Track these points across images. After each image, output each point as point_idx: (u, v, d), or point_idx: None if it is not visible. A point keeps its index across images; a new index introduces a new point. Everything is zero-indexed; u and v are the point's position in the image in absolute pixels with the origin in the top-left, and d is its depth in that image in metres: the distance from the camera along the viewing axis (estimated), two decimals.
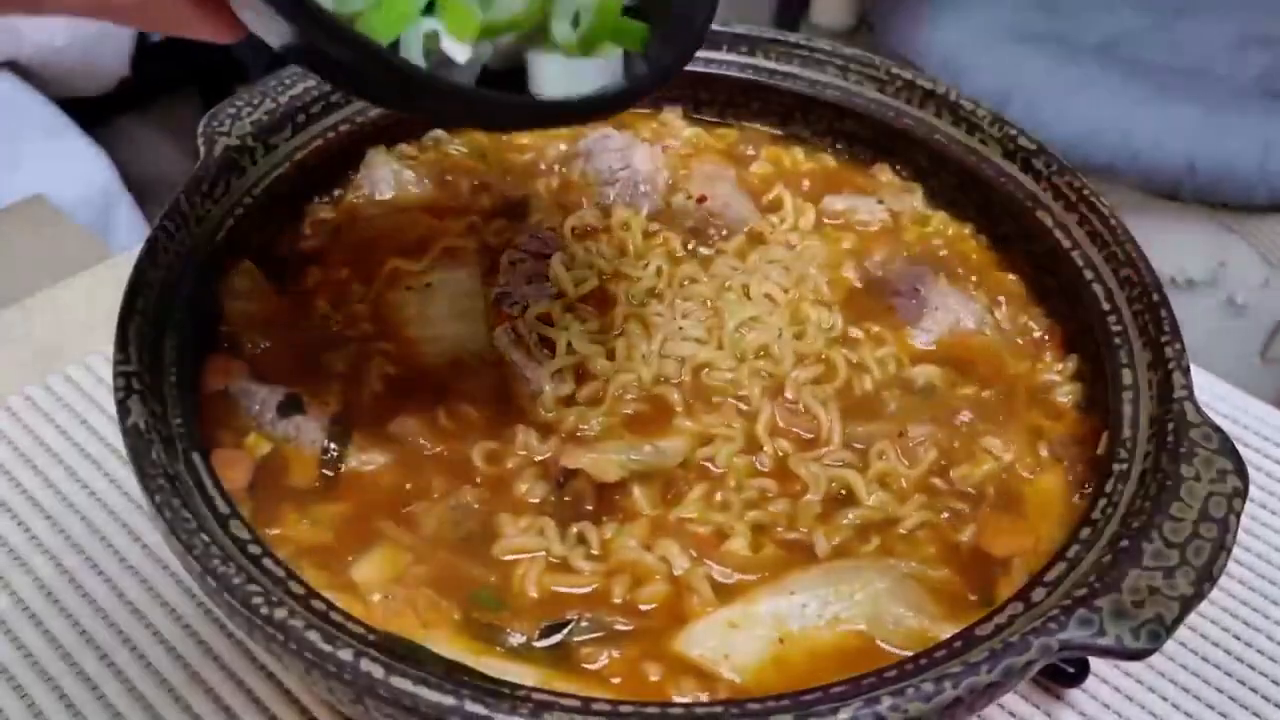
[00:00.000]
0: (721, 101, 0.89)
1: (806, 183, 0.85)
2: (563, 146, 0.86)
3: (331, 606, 0.53)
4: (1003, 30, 2.02)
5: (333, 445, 0.65)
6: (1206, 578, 0.54)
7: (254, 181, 0.75)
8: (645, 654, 0.58)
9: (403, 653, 0.52)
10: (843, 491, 0.65)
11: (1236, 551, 0.72)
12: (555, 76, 0.56)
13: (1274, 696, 0.75)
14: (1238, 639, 0.78)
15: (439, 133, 0.86)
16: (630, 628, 0.59)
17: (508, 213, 0.80)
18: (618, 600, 0.60)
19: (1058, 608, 0.53)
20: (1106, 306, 0.70)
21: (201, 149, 0.74)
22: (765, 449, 0.67)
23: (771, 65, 0.87)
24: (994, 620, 0.55)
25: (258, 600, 0.52)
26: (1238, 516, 0.57)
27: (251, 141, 0.75)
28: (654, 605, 0.60)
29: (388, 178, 0.81)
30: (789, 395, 0.69)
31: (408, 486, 0.64)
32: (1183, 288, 1.85)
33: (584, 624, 0.59)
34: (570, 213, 0.80)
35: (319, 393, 0.68)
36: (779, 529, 0.63)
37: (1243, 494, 0.58)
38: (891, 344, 0.73)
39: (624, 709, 0.50)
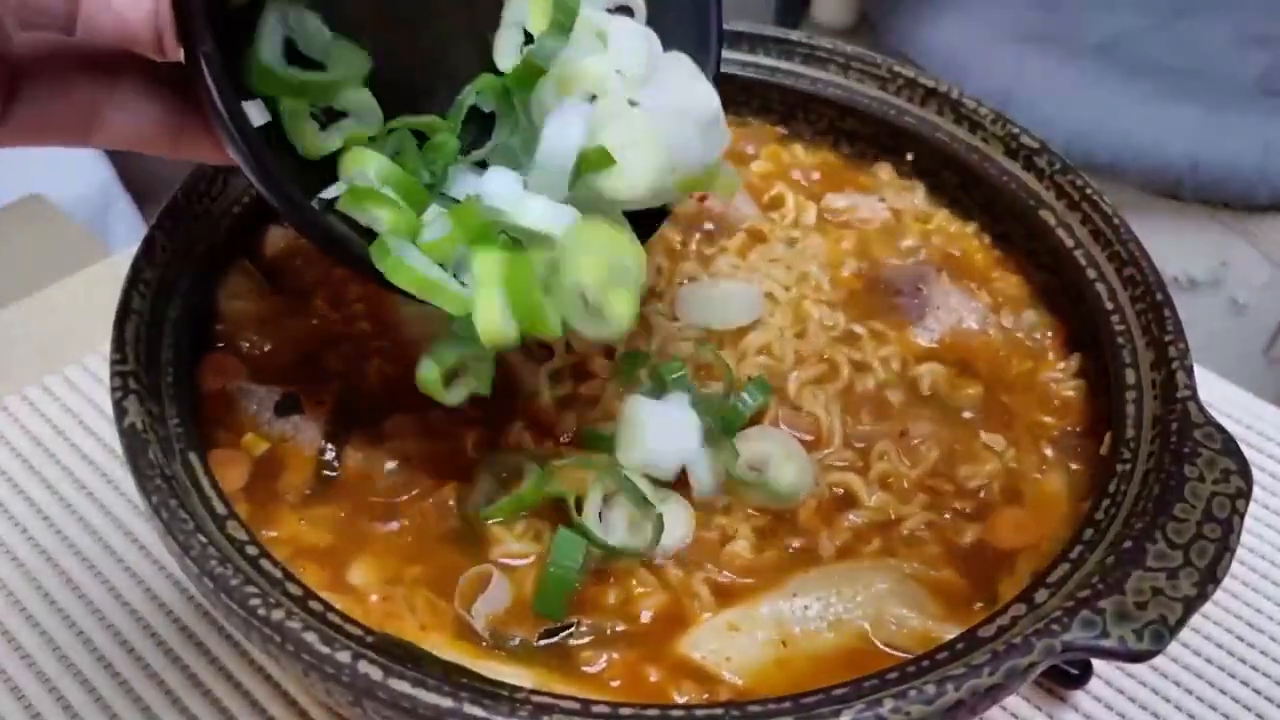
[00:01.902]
0: (722, 99, 0.88)
1: (808, 180, 0.85)
2: None
3: (329, 608, 0.53)
4: (1003, 29, 2.02)
5: (330, 445, 0.65)
6: (1210, 579, 0.54)
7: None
8: (645, 657, 0.57)
9: (401, 654, 0.51)
10: (841, 492, 0.65)
11: (1240, 552, 0.71)
12: None
13: (1277, 698, 0.75)
14: (1241, 640, 0.78)
15: None
16: (630, 631, 0.58)
17: None
18: (615, 604, 0.59)
19: (1061, 609, 0.53)
20: (1109, 306, 0.70)
21: None
22: None
23: (772, 63, 0.86)
24: (996, 621, 0.54)
25: (255, 601, 0.51)
26: (1241, 517, 0.56)
27: None
28: (653, 613, 0.59)
29: None
30: (790, 395, 0.68)
31: (405, 486, 0.64)
32: (1185, 288, 1.85)
33: (584, 628, 0.58)
34: None
35: (317, 392, 0.67)
36: (781, 531, 0.63)
37: (1246, 494, 0.57)
38: (893, 343, 0.73)
39: (624, 711, 0.50)
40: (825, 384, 0.70)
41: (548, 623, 0.58)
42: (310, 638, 0.50)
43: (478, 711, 0.48)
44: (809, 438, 0.67)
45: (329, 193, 0.57)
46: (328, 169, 0.57)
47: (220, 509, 0.57)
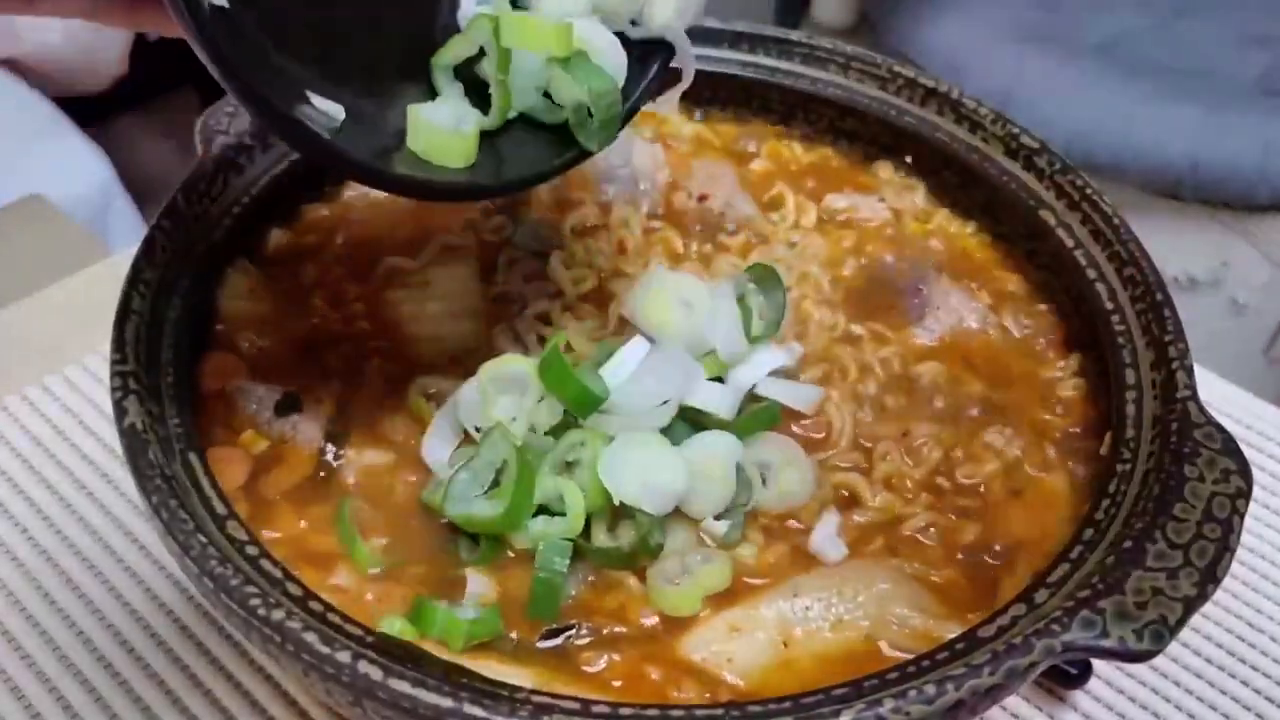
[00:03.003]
0: (723, 99, 0.88)
1: (808, 181, 0.85)
2: None
3: (329, 608, 0.53)
4: (1003, 29, 2.02)
5: (330, 444, 0.65)
6: (1210, 579, 0.54)
7: (252, 180, 0.75)
8: (646, 658, 0.57)
9: (401, 654, 0.51)
10: (845, 494, 0.65)
11: (1240, 552, 0.71)
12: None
13: (1277, 697, 0.75)
14: (1241, 640, 0.78)
15: None
16: (631, 633, 0.58)
17: (506, 210, 0.80)
18: (614, 608, 0.59)
19: (1061, 609, 0.53)
20: (1110, 306, 0.70)
21: (199, 147, 0.74)
22: None
23: (773, 63, 0.86)
24: (997, 621, 0.54)
25: (255, 601, 0.51)
26: (1241, 517, 0.56)
27: (249, 140, 0.75)
28: (654, 616, 0.59)
29: None
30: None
31: (405, 484, 0.64)
32: (1185, 288, 1.85)
33: (584, 630, 0.58)
34: (569, 211, 0.79)
35: (316, 391, 0.67)
36: (786, 531, 0.63)
37: (1246, 494, 0.57)
38: (894, 343, 0.73)
39: (624, 711, 0.50)
40: (833, 384, 0.70)
41: (548, 625, 0.58)
42: (310, 638, 0.50)
43: (478, 711, 0.48)
44: (818, 436, 0.67)
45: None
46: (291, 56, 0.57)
47: (220, 509, 0.57)
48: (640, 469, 0.59)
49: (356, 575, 0.60)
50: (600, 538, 0.60)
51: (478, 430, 0.63)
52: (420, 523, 0.62)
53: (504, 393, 0.62)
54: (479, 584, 0.59)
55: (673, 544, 0.61)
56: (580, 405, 0.61)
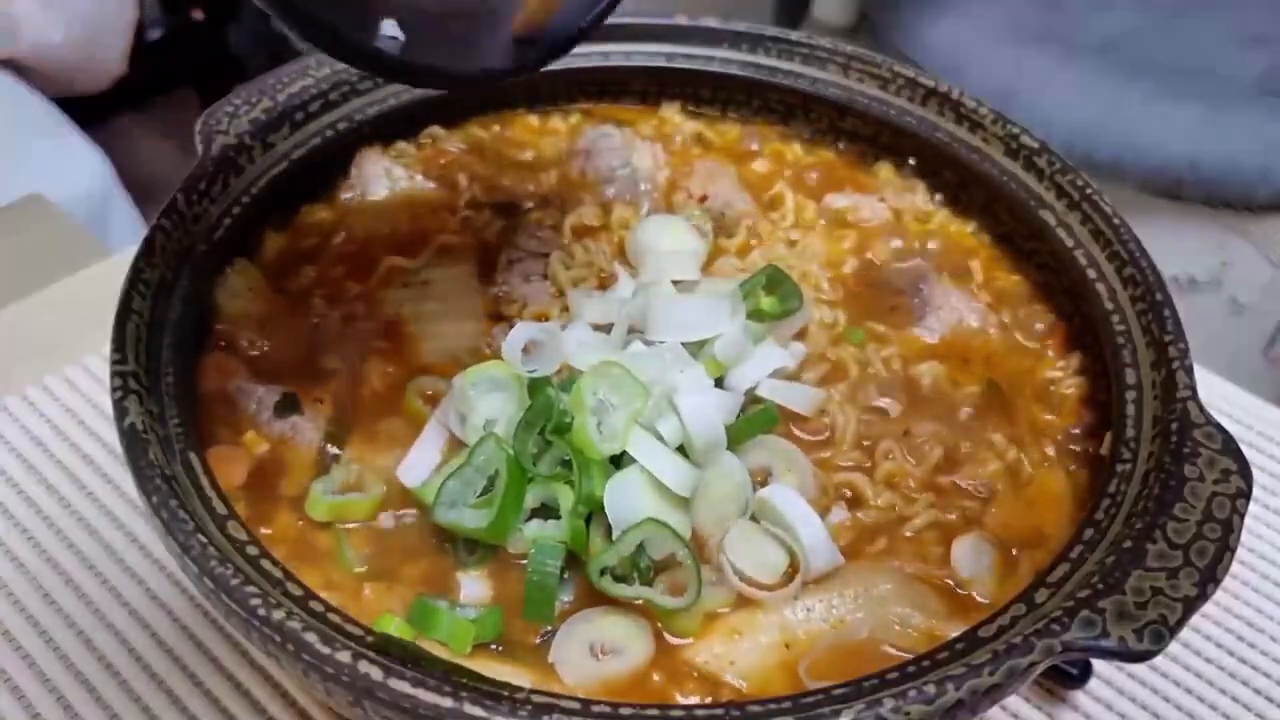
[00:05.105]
0: (723, 99, 0.88)
1: (808, 180, 0.85)
2: (563, 144, 0.86)
3: (330, 608, 0.53)
4: (1003, 29, 2.02)
5: (330, 444, 0.65)
6: (1210, 579, 0.54)
7: (252, 180, 0.75)
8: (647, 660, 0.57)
9: (401, 654, 0.51)
10: (848, 493, 0.65)
11: (1240, 552, 0.71)
12: None
13: (1277, 697, 0.75)
14: (1241, 639, 0.78)
15: (436, 130, 0.86)
16: None
17: (506, 210, 0.80)
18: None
19: (1061, 609, 0.53)
20: (1110, 306, 0.70)
21: (199, 147, 0.74)
22: None
23: (773, 63, 0.86)
24: (997, 621, 0.54)
25: (255, 601, 0.51)
26: (1241, 517, 0.56)
27: (249, 140, 0.75)
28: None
29: (380, 176, 0.80)
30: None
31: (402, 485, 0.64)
32: (1186, 288, 1.85)
33: None
34: (570, 211, 0.79)
35: (316, 391, 0.67)
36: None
37: (1246, 494, 0.57)
38: (894, 343, 0.73)
39: (624, 711, 0.50)
40: (835, 384, 0.69)
41: (545, 625, 0.58)
42: (310, 638, 0.50)
43: (478, 711, 0.48)
44: (820, 438, 0.67)
45: None
46: None
47: (220, 509, 0.57)
48: (645, 505, 0.59)
49: (354, 574, 0.60)
50: (598, 544, 0.60)
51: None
52: (417, 522, 0.62)
53: (486, 397, 0.62)
54: (474, 586, 0.59)
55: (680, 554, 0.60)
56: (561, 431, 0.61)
